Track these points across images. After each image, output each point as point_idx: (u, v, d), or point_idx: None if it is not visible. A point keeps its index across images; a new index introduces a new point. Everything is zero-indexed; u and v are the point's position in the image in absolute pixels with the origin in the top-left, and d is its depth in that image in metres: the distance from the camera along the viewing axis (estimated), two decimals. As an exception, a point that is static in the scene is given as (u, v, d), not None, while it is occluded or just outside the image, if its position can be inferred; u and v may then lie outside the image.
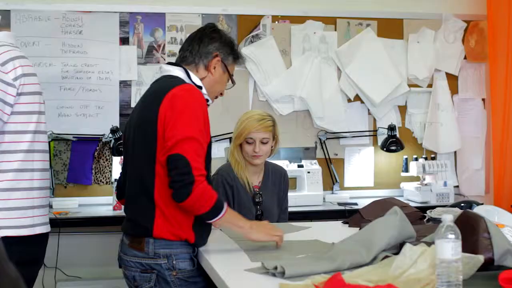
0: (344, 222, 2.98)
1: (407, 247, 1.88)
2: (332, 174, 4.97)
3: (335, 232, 2.41)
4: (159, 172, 2.43)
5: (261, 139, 3.28)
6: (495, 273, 1.84)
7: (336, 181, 4.98)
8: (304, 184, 4.69)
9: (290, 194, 4.45)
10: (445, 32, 5.17)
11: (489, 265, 1.98)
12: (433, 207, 3.68)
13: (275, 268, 1.99)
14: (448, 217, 1.76)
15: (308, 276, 1.91)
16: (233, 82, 2.77)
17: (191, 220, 2.47)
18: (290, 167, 4.65)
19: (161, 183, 2.43)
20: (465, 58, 5.22)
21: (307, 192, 4.66)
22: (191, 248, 2.50)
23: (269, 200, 3.42)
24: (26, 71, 2.66)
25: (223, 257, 2.32)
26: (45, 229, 2.69)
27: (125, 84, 4.68)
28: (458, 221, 2.20)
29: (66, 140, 4.56)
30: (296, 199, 4.56)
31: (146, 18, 4.72)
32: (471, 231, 2.05)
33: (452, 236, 1.71)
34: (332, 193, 4.94)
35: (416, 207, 4.17)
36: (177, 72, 2.61)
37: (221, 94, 2.77)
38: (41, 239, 2.67)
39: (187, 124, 2.38)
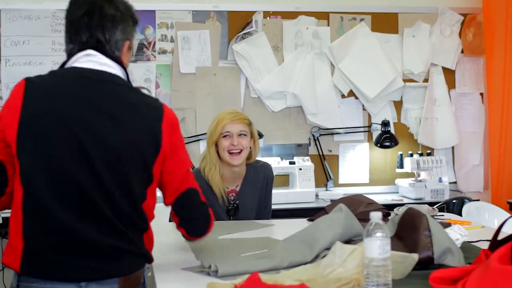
0: (309, 220, 2.93)
1: (337, 245, 1.84)
2: (326, 170, 4.92)
3: (297, 229, 2.34)
4: None
5: (238, 132, 3.10)
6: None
7: (330, 177, 4.92)
8: (296, 181, 4.63)
9: (281, 191, 4.48)
10: (442, 25, 5.07)
11: (429, 264, 1.93)
12: (431, 204, 3.65)
13: (210, 266, 1.96)
14: (376, 214, 1.71)
15: (241, 275, 1.88)
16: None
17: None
18: (281, 164, 4.61)
19: None
20: (462, 52, 5.12)
21: (299, 189, 4.60)
22: None
23: (248, 206, 3.20)
24: None
25: (168, 255, 2.27)
26: None
27: (115, 82, 4.67)
28: (403, 219, 2.16)
29: (57, 138, 4.58)
30: (287, 196, 4.53)
31: (136, 16, 4.71)
32: (413, 229, 2.00)
33: (380, 234, 1.66)
34: (326, 189, 4.88)
35: (410, 204, 4.13)
36: (119, 72, 1.98)
37: None
38: None
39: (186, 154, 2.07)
